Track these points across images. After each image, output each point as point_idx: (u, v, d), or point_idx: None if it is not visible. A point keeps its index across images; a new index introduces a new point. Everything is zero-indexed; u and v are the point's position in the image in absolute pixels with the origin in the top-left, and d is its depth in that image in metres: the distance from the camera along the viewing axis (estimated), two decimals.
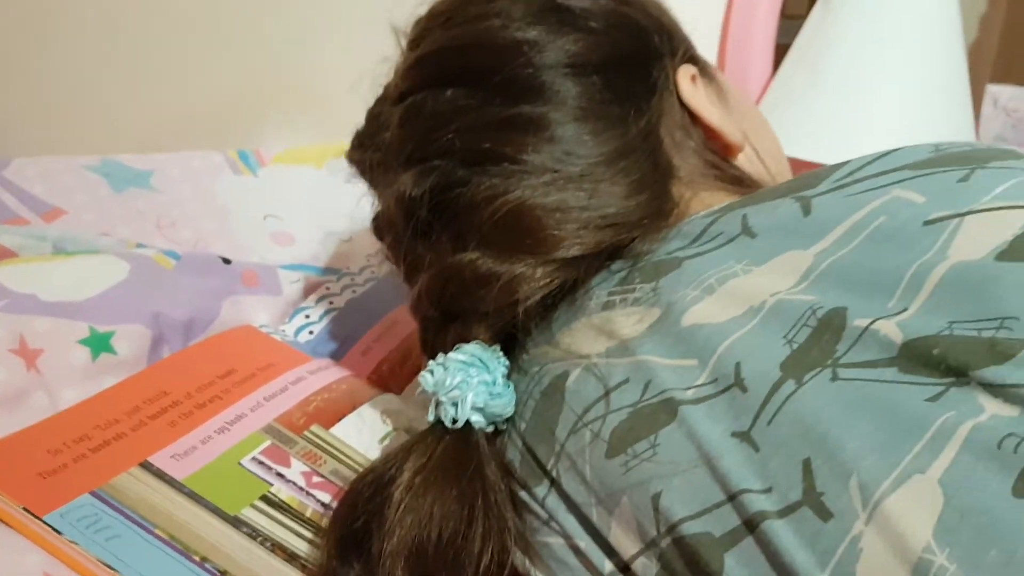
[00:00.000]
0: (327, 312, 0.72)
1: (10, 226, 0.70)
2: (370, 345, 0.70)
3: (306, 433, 0.59)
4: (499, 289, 0.49)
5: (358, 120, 0.97)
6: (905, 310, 0.39)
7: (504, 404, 0.49)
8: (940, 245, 0.41)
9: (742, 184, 0.57)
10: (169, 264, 0.68)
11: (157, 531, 0.49)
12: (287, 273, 0.75)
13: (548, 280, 0.49)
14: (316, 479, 0.56)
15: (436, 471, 0.48)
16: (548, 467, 0.47)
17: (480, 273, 0.50)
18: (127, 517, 0.49)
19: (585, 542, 0.45)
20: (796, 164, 1.32)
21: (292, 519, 0.53)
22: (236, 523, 0.51)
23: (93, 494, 0.49)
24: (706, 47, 1.30)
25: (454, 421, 0.48)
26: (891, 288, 0.40)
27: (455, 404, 0.48)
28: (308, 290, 0.74)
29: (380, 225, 0.62)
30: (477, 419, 0.48)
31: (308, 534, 0.52)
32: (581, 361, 0.47)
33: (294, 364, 0.64)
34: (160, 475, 0.52)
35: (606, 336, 0.48)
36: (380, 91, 0.62)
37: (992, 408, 0.35)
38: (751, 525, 0.38)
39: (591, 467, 0.45)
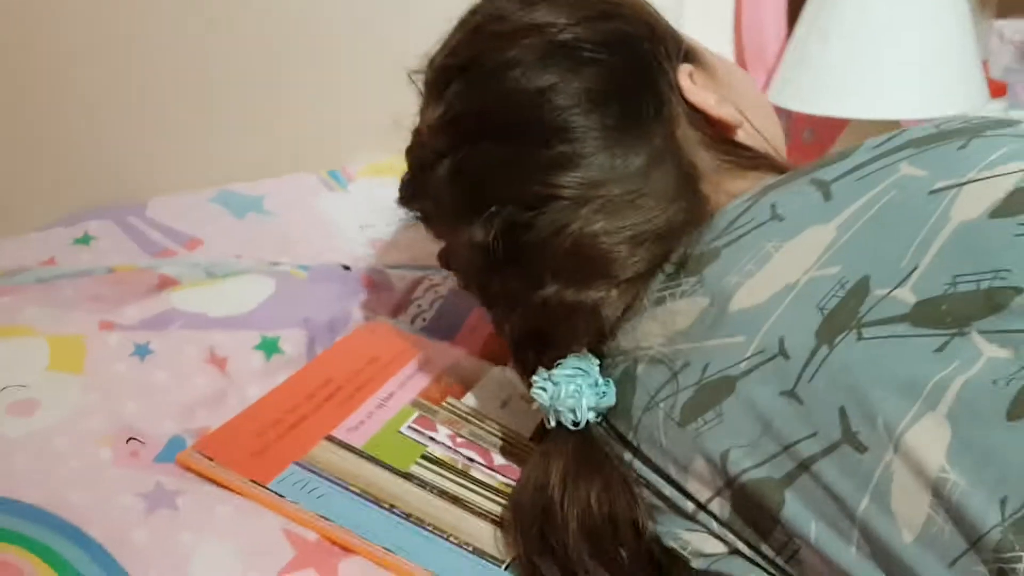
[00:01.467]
0: (435, 301, 0.84)
1: (165, 258, 0.83)
2: (475, 325, 0.82)
3: (444, 404, 0.71)
4: (586, 316, 0.58)
5: None
6: (915, 269, 0.48)
7: (610, 398, 0.59)
8: (943, 210, 0.49)
9: (753, 165, 0.63)
10: (303, 276, 0.80)
11: (352, 488, 0.62)
12: (395, 272, 0.87)
13: (624, 299, 0.58)
14: (459, 439, 0.69)
15: (577, 468, 0.59)
16: (628, 438, 0.58)
17: (566, 305, 0.58)
18: (327, 480, 0.62)
19: (669, 491, 0.56)
20: (816, 122, 1.42)
21: (447, 471, 0.66)
22: (408, 477, 0.64)
23: (298, 464, 0.62)
24: (722, 8, 1.40)
25: (575, 424, 0.59)
26: (903, 252, 0.49)
27: (572, 410, 0.58)
28: (414, 284, 0.86)
29: (447, 260, 0.70)
30: (591, 416, 0.59)
31: (462, 481, 0.65)
32: (646, 352, 0.57)
33: (421, 348, 0.76)
34: (343, 444, 0.65)
35: (665, 328, 0.56)
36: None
37: (988, 352, 0.45)
38: (804, 466, 0.49)
39: (666, 436, 0.55)
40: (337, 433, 0.66)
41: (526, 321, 0.62)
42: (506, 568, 0.59)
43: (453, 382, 0.74)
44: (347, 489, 0.62)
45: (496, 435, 0.70)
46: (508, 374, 0.76)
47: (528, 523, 0.59)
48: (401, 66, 0.99)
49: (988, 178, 0.50)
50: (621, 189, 0.59)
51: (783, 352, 0.51)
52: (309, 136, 1.03)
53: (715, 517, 0.54)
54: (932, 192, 0.51)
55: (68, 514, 0.54)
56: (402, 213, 0.97)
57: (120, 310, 0.71)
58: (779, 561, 0.51)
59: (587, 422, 0.59)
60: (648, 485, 0.58)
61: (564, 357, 0.59)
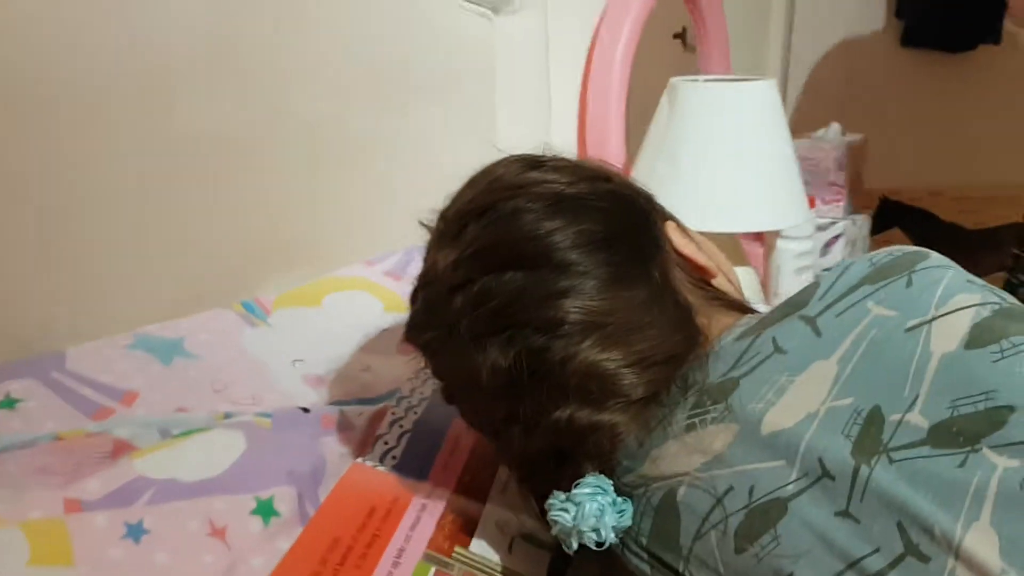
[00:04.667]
0: (401, 436, 0.81)
1: (107, 419, 0.74)
2: (447, 460, 0.80)
3: (455, 555, 0.69)
4: (602, 436, 0.61)
5: (335, 261, 1.07)
6: (917, 397, 0.55)
7: (628, 517, 0.61)
8: (923, 345, 0.57)
9: (733, 306, 0.71)
10: (267, 424, 0.75)
11: None
12: (349, 409, 0.83)
13: (638, 419, 0.62)
14: None
15: None
16: (679, 569, 0.59)
17: (582, 425, 0.61)
18: None
19: None
20: None
21: None
22: None
23: None
24: (567, 131, 1.50)
25: (599, 544, 0.60)
26: (902, 382, 0.56)
27: (595, 530, 0.60)
28: (375, 420, 0.83)
29: (451, 395, 0.73)
30: (613, 536, 0.60)
31: None
32: (683, 478, 0.59)
33: (410, 492, 0.74)
34: None
35: (699, 453, 0.59)
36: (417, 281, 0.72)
37: (1002, 463, 0.52)
38: None
39: (723, 563, 0.57)
40: None
41: (543, 442, 0.64)
42: None
43: (453, 528, 0.71)
44: None
45: None
46: (500, 514, 0.75)
47: None
48: (291, 191, 0.98)
49: (947, 314, 0.58)
50: (627, 318, 0.64)
51: (827, 474, 0.55)
52: (216, 269, 0.97)
53: None
54: (908, 330, 0.58)
55: None
56: (323, 345, 0.95)
57: (80, 484, 0.63)
58: None
59: (609, 542, 0.60)
60: None
61: (579, 478, 0.61)
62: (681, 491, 0.59)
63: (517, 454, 0.66)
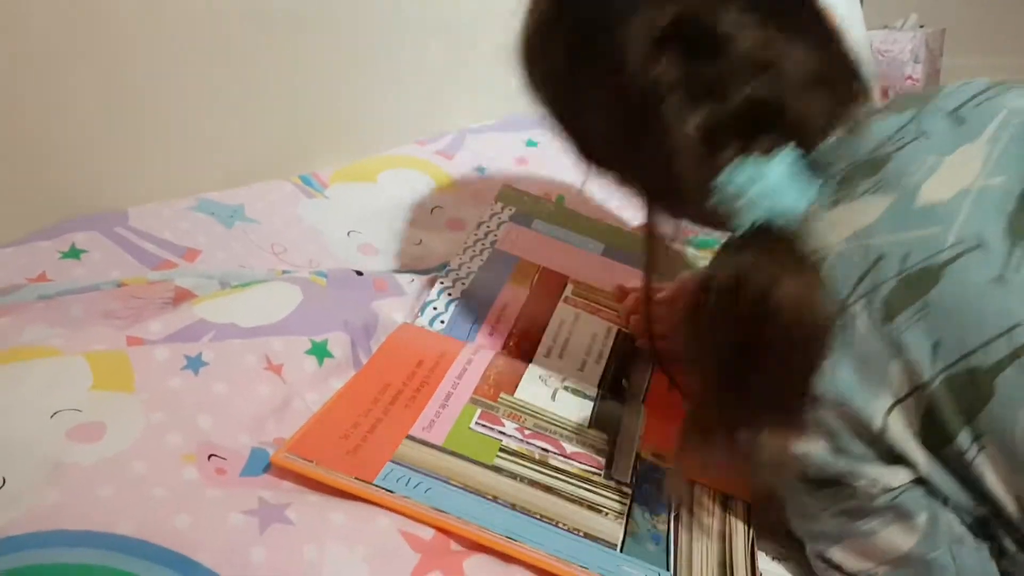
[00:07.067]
0: (449, 302, 0.82)
1: (170, 270, 0.77)
2: (493, 326, 0.82)
3: (500, 400, 0.70)
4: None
5: (390, 140, 1.07)
6: None
7: (813, 194, 0.54)
8: None
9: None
10: (323, 282, 0.77)
11: (452, 482, 0.60)
12: (401, 277, 0.85)
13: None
14: (527, 432, 0.68)
15: (770, 256, 0.53)
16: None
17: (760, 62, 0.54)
18: (426, 475, 0.59)
19: (859, 401, 0.53)
20: None
21: (529, 462, 0.65)
22: (496, 470, 0.63)
23: (393, 461, 0.60)
24: None
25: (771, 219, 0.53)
26: None
27: (773, 197, 0.52)
28: (424, 287, 0.84)
29: (579, 131, 0.64)
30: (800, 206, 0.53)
31: (545, 471, 0.64)
32: (833, 248, 0.55)
33: (457, 349, 0.75)
34: (424, 443, 0.63)
35: (847, 225, 0.56)
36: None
37: None
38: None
39: (865, 332, 0.54)
40: (415, 433, 0.64)
41: (718, 112, 0.55)
42: (620, 551, 0.59)
43: (498, 379, 0.73)
44: (448, 483, 0.60)
45: (558, 425, 0.70)
46: (544, 370, 0.76)
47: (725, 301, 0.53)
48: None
49: None
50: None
51: (982, 243, 0.54)
52: (276, 143, 0.99)
53: (902, 422, 0.54)
54: None
55: (172, 542, 0.49)
56: (380, 218, 0.96)
57: (142, 325, 0.65)
58: (968, 457, 0.53)
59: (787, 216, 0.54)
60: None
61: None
62: (829, 260, 0.55)
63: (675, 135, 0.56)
